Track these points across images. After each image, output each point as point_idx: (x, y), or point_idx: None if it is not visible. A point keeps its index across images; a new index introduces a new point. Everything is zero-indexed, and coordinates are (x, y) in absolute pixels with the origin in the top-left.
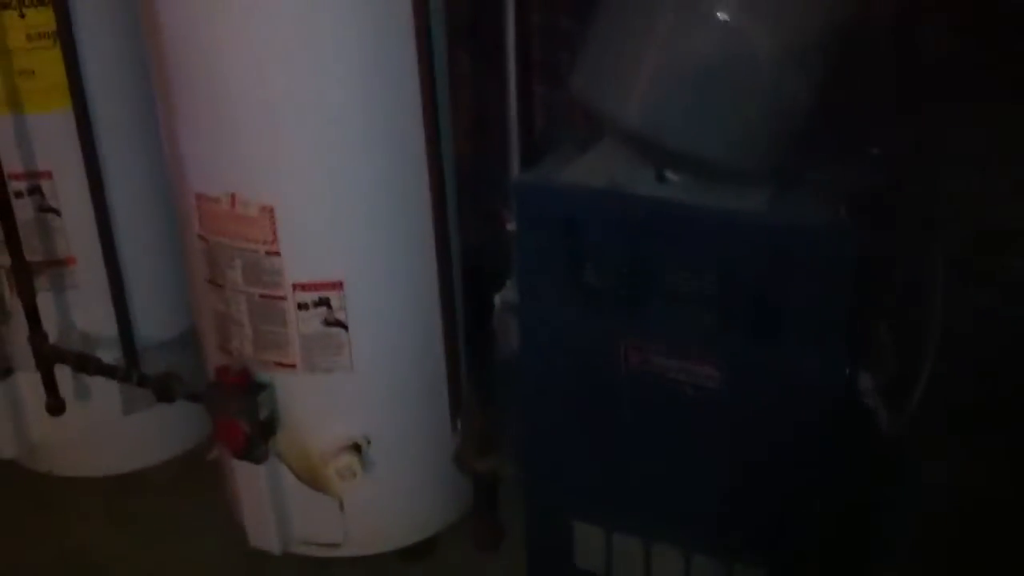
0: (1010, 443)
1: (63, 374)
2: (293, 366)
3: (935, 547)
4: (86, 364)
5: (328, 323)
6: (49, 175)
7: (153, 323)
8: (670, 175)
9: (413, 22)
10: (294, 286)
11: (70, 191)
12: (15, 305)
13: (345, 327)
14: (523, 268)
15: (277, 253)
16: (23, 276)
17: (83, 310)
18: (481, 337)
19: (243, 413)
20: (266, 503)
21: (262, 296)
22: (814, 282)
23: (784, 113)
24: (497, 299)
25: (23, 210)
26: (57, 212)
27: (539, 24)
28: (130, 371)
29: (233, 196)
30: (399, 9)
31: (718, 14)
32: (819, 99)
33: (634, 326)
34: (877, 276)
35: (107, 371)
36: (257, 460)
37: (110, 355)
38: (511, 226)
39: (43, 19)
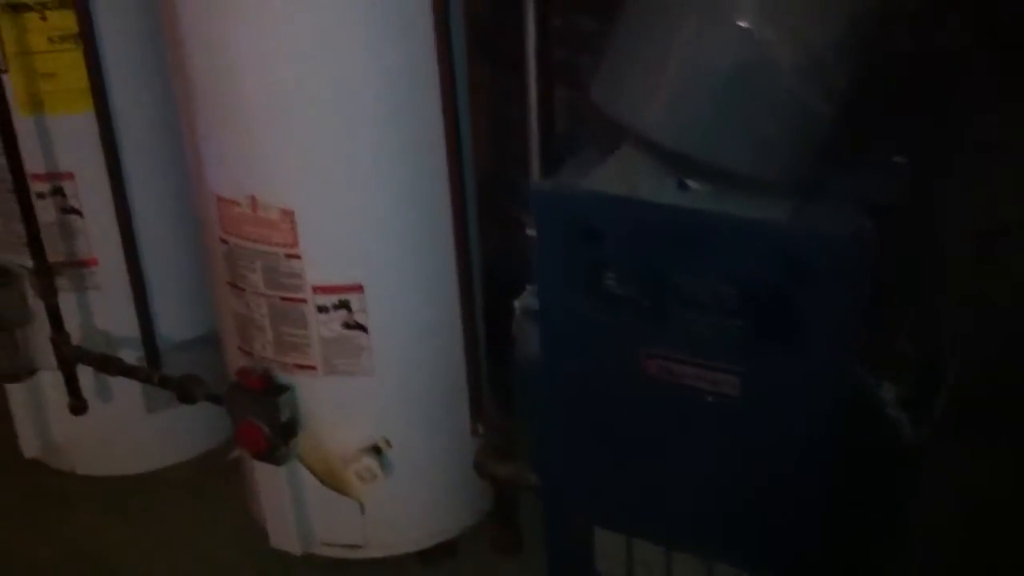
0: (1013, 443)
1: (85, 373)
2: (313, 368)
3: (943, 548)
4: (108, 365)
5: (348, 326)
6: (71, 176)
7: (175, 323)
8: (692, 183)
9: (433, 24)
10: (314, 289)
11: (92, 192)
12: (37, 306)
13: (365, 330)
14: (543, 275)
15: (297, 256)
16: (45, 277)
17: (105, 310)
18: (501, 342)
19: (264, 415)
20: (287, 504)
21: (282, 299)
22: (835, 292)
23: (807, 122)
24: (517, 304)
25: (45, 211)
26: (79, 213)
27: (560, 25)
28: (152, 372)
29: (253, 199)
30: (419, 11)
31: (739, 22)
32: (842, 108)
33: (654, 333)
34: (898, 285)
35: (129, 372)
36: (278, 462)
37: (132, 355)
38: (531, 232)
39: (65, 22)
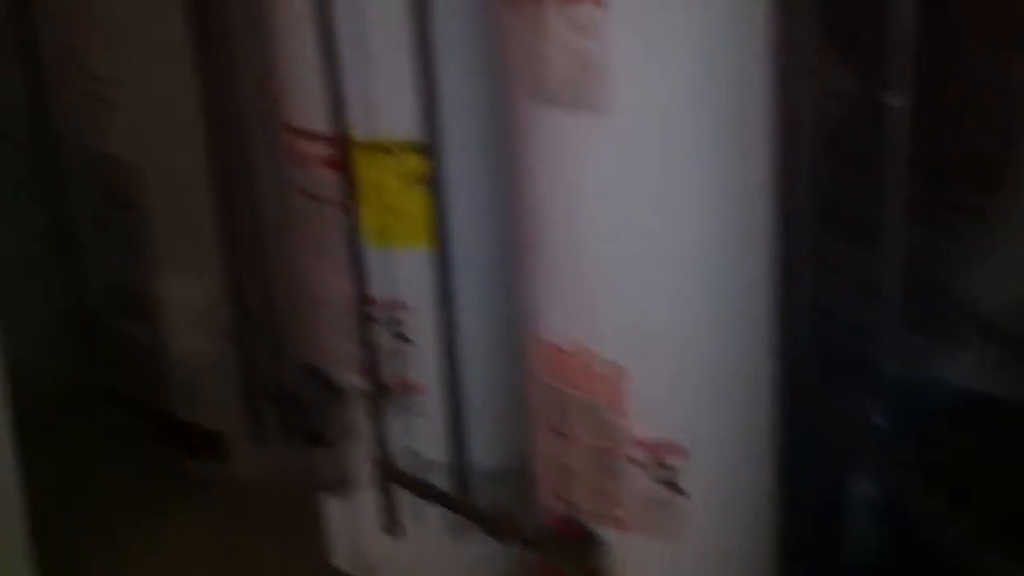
0: None
1: (399, 495)
2: (624, 524)
3: None
4: (425, 490)
5: (666, 486)
6: (404, 306)
7: (487, 453)
8: None
9: (775, 197)
10: (636, 443)
11: (423, 322)
12: (363, 425)
13: (684, 493)
14: (890, 470)
15: (622, 411)
16: (376, 399)
17: (424, 435)
18: (827, 526)
19: (573, 564)
20: None
21: (601, 450)
22: None
23: None
24: (851, 487)
25: (379, 336)
26: (410, 341)
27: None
28: (467, 503)
29: (583, 349)
30: (762, 176)
31: None
32: None
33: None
34: None
35: (445, 500)
36: None
37: (444, 480)
38: (876, 420)
39: (416, 163)
